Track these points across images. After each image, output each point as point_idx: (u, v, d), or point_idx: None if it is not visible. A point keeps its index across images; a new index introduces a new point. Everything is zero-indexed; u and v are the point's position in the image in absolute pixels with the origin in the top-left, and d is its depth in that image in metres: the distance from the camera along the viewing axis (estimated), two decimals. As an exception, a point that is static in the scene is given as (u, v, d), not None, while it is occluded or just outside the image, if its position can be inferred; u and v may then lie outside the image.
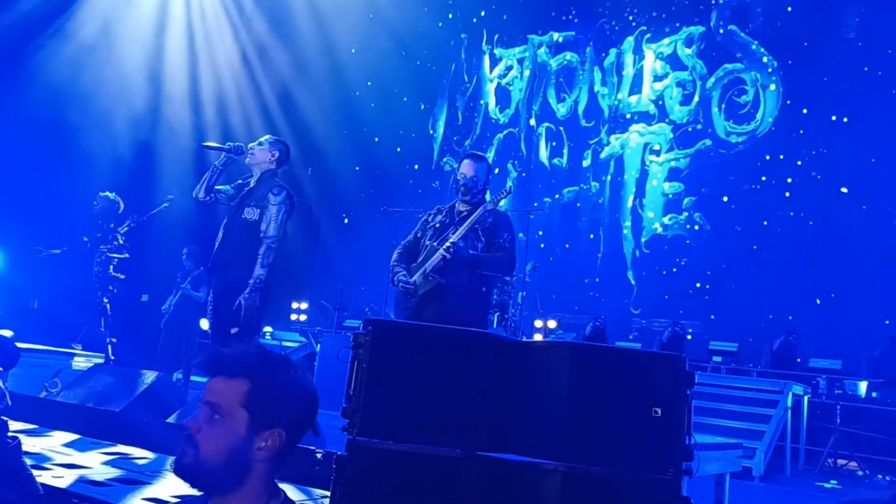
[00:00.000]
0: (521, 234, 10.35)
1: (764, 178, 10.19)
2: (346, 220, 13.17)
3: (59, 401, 5.30)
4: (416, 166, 12.93)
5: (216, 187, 4.91)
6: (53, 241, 7.80)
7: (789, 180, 9.98)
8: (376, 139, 12.84)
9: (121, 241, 7.34)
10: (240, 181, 5.02)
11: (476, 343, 2.51)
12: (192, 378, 8.09)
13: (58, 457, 3.84)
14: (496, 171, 12.23)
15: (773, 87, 10.35)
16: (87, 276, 7.42)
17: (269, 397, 1.62)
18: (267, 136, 5.03)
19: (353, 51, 12.38)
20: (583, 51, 12.06)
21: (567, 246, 11.56)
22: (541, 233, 11.60)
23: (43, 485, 3.07)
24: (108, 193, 7.60)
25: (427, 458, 2.40)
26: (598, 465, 2.35)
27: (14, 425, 4.55)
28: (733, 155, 10.53)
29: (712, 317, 10.01)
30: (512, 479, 2.46)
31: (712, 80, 10.84)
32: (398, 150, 12.88)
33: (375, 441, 2.41)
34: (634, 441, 2.36)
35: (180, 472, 1.57)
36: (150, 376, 5.37)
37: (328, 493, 2.41)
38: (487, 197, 4.65)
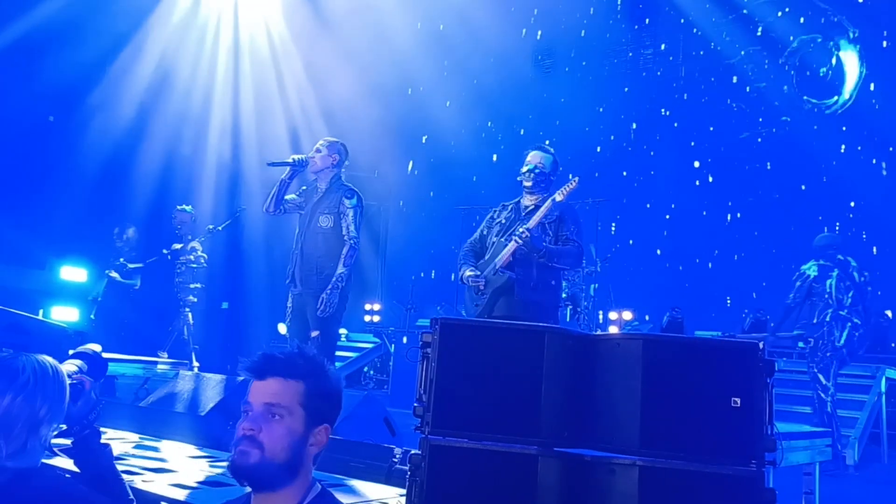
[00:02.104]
0: (596, 227, 10.21)
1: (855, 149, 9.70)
2: (413, 220, 13.23)
3: (148, 407, 5.52)
4: (482, 163, 12.86)
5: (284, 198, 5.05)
6: (136, 254, 8.14)
7: (874, 160, 9.48)
8: (424, 138, 12.82)
9: (199, 252, 7.60)
10: (304, 188, 5.12)
11: (547, 338, 2.48)
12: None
13: (147, 461, 4.00)
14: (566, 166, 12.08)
15: (854, 56, 9.83)
16: (170, 286, 7.73)
17: (320, 395, 1.74)
18: (322, 141, 5.09)
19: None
20: (647, 35, 11.77)
21: (640, 236, 11.30)
22: (614, 225, 11.38)
23: (133, 489, 3.21)
24: (184, 207, 7.89)
25: (502, 455, 2.39)
26: (676, 459, 2.29)
27: (106, 432, 4.78)
28: (815, 130, 10.06)
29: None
30: (589, 475, 2.42)
31: (786, 54, 10.41)
32: (464, 146, 12.84)
33: (449, 439, 2.41)
34: (714, 433, 2.29)
35: (244, 472, 1.65)
36: (233, 381, 5.53)
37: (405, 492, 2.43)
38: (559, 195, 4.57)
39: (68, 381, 2.08)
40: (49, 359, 2.07)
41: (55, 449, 2.08)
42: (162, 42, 10.36)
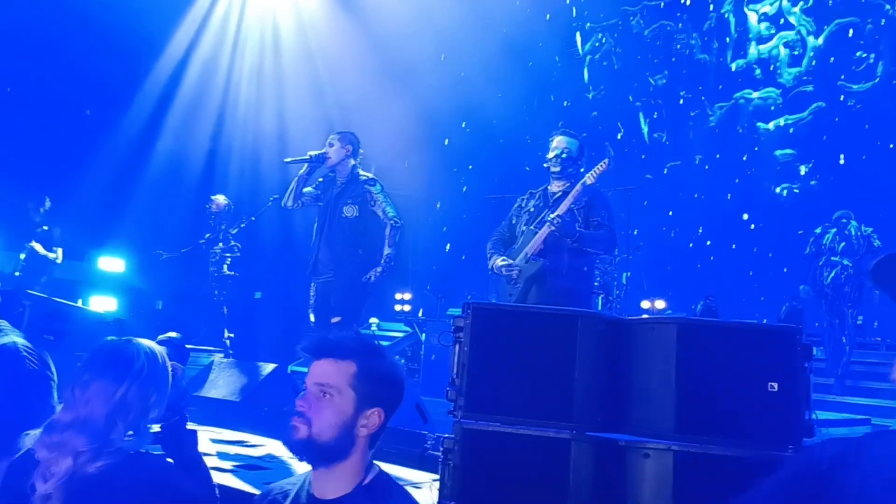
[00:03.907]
0: (622, 213, 10.09)
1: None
2: (444, 210, 13.23)
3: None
4: (512, 150, 12.80)
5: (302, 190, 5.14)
6: (172, 245, 8.26)
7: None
8: (464, 124, 12.80)
9: (233, 241, 7.68)
10: (320, 180, 5.19)
11: (579, 322, 2.46)
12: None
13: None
14: (592, 153, 11.98)
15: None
16: (205, 276, 7.83)
17: (372, 379, 1.76)
18: (333, 135, 5.14)
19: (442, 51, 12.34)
20: (679, 17, 11.58)
21: (673, 223, 11.16)
22: (643, 211, 11.24)
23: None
24: (219, 196, 7.98)
25: (535, 439, 2.38)
26: (712, 444, 2.27)
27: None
28: (851, 116, 9.84)
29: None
30: (623, 460, 2.41)
31: (823, 37, 10.17)
32: (493, 135, 12.79)
33: (481, 423, 2.41)
34: (750, 418, 2.27)
35: (294, 446, 1.72)
36: (266, 368, 5.61)
37: (438, 477, 2.44)
38: (590, 178, 4.53)
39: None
40: (154, 345, 2.14)
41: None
42: (192, 36, 10.50)
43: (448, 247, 12.77)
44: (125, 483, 1.90)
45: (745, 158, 10.72)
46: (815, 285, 7.83)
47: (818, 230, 8.01)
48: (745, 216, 10.56)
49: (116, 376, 1.96)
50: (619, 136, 11.98)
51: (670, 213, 11.20)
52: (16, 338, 2.54)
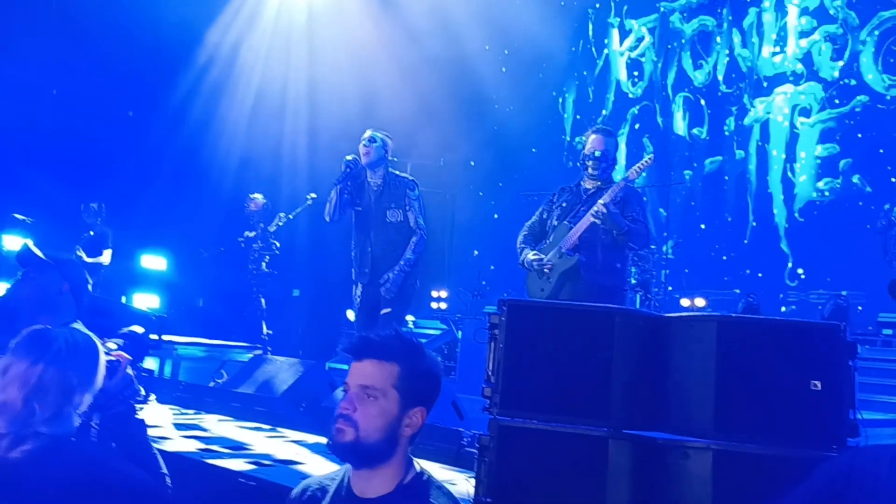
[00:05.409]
0: (661, 210, 10.01)
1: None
2: (480, 208, 13.21)
3: (225, 389, 5.71)
4: (548, 148, 12.74)
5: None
6: (212, 243, 8.39)
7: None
8: (500, 122, 12.75)
9: (272, 239, 7.78)
10: (348, 182, 5.15)
11: (617, 319, 2.44)
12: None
13: (225, 440, 4.14)
14: (624, 146, 11.86)
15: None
16: (244, 273, 7.95)
17: (414, 379, 1.75)
18: (376, 133, 5.04)
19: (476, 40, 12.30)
20: (719, 13, 11.40)
21: (712, 219, 11.00)
22: (683, 207, 11.10)
23: (214, 467, 3.33)
24: (257, 195, 8.08)
25: (571, 436, 2.36)
26: (752, 443, 2.23)
27: (185, 412, 4.97)
28: (894, 110, 9.59)
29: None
30: (662, 458, 2.38)
31: (866, 30, 9.91)
32: (529, 132, 12.74)
33: (517, 420, 2.40)
34: (792, 417, 2.22)
35: (340, 449, 1.71)
36: (304, 365, 5.67)
37: (474, 474, 2.44)
38: (618, 175, 4.50)
39: (104, 356, 2.11)
40: (84, 331, 2.14)
41: (92, 423, 2.13)
42: (233, 34, 10.64)
43: (476, 252, 12.75)
44: (53, 468, 1.87)
45: (785, 154, 10.51)
46: (889, 257, 7.93)
47: (886, 206, 8.17)
48: (786, 212, 10.36)
49: (32, 359, 1.94)
50: (658, 132, 11.84)
51: (712, 219, 11.04)
52: (79, 326, 2.61)
